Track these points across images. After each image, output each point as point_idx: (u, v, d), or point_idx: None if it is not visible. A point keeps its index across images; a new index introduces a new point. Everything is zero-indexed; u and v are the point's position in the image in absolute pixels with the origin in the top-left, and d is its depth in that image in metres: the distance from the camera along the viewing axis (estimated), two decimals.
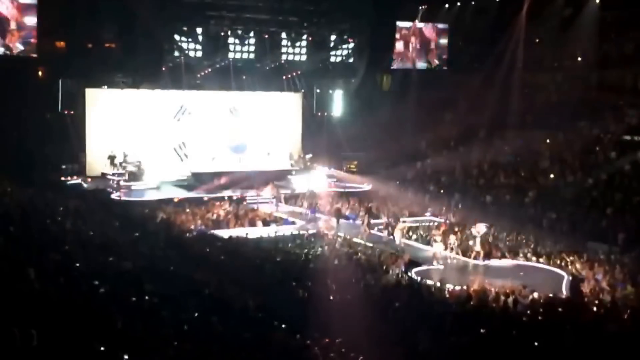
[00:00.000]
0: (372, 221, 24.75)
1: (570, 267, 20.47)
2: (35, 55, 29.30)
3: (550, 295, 17.36)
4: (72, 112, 30.92)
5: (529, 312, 15.37)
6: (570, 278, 19.51)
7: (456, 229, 23.06)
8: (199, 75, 34.24)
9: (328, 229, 24.06)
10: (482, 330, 12.94)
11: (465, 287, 17.74)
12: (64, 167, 30.13)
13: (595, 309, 15.96)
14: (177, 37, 33.17)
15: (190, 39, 33.46)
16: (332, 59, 36.66)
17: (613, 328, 13.73)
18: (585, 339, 12.93)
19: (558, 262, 20.89)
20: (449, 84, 33.65)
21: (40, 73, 31.52)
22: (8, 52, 28.51)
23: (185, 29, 33.34)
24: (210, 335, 10.78)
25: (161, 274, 15.32)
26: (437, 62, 36.26)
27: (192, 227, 23.74)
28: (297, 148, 35.11)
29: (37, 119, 29.72)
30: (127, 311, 11.81)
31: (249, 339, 10.52)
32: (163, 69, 33.23)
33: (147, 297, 13.10)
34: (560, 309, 15.72)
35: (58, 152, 29.74)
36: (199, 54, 33.83)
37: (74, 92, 30.91)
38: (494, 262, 21.34)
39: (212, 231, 23.56)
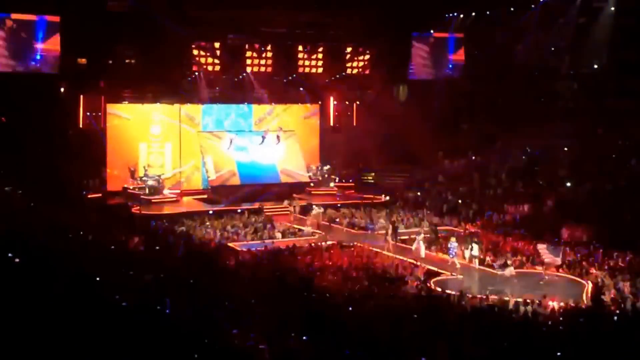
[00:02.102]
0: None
1: (590, 275, 20.34)
2: (57, 72, 29.93)
3: (571, 304, 17.28)
4: (93, 128, 31.42)
5: (549, 322, 15.30)
6: (591, 286, 19.38)
7: (475, 239, 22.99)
8: (217, 89, 34.60)
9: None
10: (504, 343, 12.91)
11: (484, 297, 17.71)
12: (85, 181, 30.55)
13: (617, 317, 15.84)
14: (195, 51, 33.59)
15: (208, 54, 33.86)
16: (349, 71, 36.84)
17: (636, 336, 13.66)
18: (608, 348, 12.88)
19: (578, 270, 20.77)
20: (466, 94, 33.63)
21: (62, 89, 32.11)
22: (31, 70, 29.16)
23: (203, 43, 33.76)
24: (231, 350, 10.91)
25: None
26: (453, 72, 36.25)
27: (212, 239, 23.98)
28: (314, 159, 35.24)
29: (59, 135, 30.23)
30: (148, 323, 12.01)
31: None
32: (182, 83, 33.63)
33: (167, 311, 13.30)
34: (581, 319, 15.64)
35: (80, 166, 30.19)
36: (218, 67, 34.21)
37: (95, 108, 31.42)
38: (514, 271, 21.24)
39: (231, 243, 23.80)
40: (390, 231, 24.15)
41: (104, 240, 21.11)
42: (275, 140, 33.11)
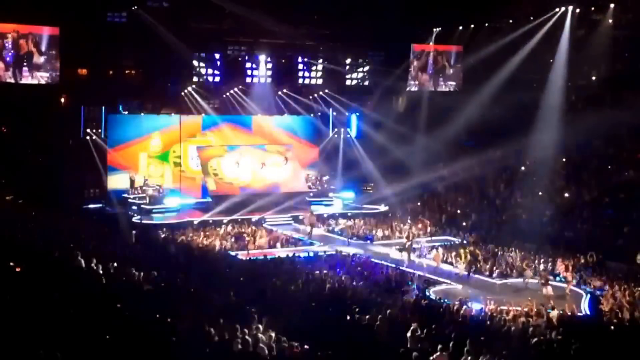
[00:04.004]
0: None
1: (588, 285, 20.47)
2: (57, 83, 30.10)
3: (569, 313, 17.39)
4: (94, 138, 31.56)
5: (548, 330, 15.37)
6: (590, 296, 19.52)
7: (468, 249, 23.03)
8: (217, 100, 34.77)
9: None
10: (503, 352, 12.97)
11: (483, 306, 17.80)
12: (86, 191, 30.64)
13: (613, 327, 15.94)
14: (195, 62, 33.78)
15: (208, 65, 34.05)
16: (348, 82, 37.01)
17: (634, 345, 13.74)
18: (606, 357, 12.97)
19: (577, 280, 20.90)
20: (464, 105, 33.80)
21: (63, 100, 32.28)
22: (32, 80, 29.34)
23: (203, 54, 33.96)
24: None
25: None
26: (451, 83, 36.46)
27: (212, 248, 24.10)
28: (314, 170, 35.35)
29: (60, 145, 30.36)
30: (149, 332, 12.07)
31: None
32: (182, 94, 33.81)
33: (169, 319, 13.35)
34: (579, 327, 15.74)
35: (80, 176, 30.28)
36: (217, 79, 34.40)
37: (96, 118, 31.55)
38: (513, 281, 21.38)
39: (232, 252, 23.93)
40: (408, 245, 24.07)
41: (104, 248, 21.20)
42: (284, 160, 33.27)
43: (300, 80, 36.41)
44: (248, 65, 34.66)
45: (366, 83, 37.38)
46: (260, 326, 12.45)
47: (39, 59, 29.72)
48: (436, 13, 32.96)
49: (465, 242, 26.07)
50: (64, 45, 29.75)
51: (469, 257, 22.54)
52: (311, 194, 33.12)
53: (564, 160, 31.12)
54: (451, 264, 23.04)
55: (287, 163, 33.35)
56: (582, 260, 22.39)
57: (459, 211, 30.11)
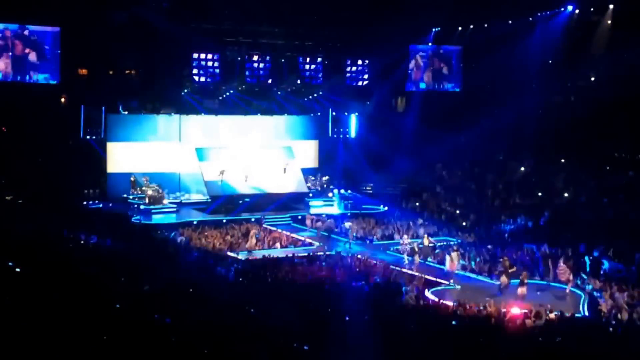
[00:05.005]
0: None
1: (587, 286, 20.49)
2: (57, 83, 30.20)
3: (568, 314, 17.43)
4: (93, 138, 31.59)
5: (546, 332, 15.43)
6: (588, 297, 19.56)
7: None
8: (216, 100, 34.81)
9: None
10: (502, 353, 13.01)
11: (481, 307, 17.83)
12: (85, 191, 30.68)
13: (612, 329, 15.98)
14: (195, 62, 33.81)
15: (208, 65, 34.09)
16: (348, 82, 37.06)
17: (633, 347, 13.80)
18: (605, 358, 13.03)
19: (575, 281, 20.92)
20: (463, 106, 33.85)
21: (62, 100, 32.34)
22: (32, 80, 29.46)
23: (203, 54, 34.01)
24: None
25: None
26: (451, 84, 36.54)
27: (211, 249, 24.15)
28: (313, 170, 35.35)
29: (59, 145, 30.40)
30: (149, 333, 12.12)
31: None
32: (182, 94, 33.85)
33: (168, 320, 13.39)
34: (577, 329, 15.79)
35: (80, 176, 30.32)
36: (217, 79, 34.44)
37: (96, 118, 31.59)
38: (511, 282, 21.37)
39: (230, 253, 23.98)
40: (416, 248, 23.93)
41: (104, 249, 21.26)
42: (283, 171, 33.28)
43: (300, 81, 36.43)
44: (247, 65, 34.68)
45: (366, 83, 37.42)
46: None
47: (40, 59, 29.86)
48: (436, 13, 33.00)
49: (464, 242, 26.08)
50: (65, 45, 29.86)
51: (508, 269, 21.21)
52: (310, 194, 33.16)
53: (562, 160, 31.17)
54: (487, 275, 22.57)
55: (285, 172, 33.20)
56: (581, 261, 22.40)
57: (457, 211, 30.13)
